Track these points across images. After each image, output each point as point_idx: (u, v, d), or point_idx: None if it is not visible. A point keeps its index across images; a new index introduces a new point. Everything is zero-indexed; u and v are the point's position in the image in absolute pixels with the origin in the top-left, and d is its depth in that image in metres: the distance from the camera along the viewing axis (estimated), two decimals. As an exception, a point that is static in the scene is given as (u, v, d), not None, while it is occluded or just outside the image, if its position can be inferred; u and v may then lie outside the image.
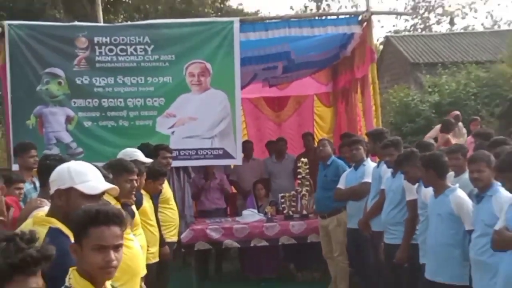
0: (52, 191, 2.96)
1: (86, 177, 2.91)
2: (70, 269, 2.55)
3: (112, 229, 2.40)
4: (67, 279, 2.48)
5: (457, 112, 9.76)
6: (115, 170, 4.41)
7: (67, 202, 2.88)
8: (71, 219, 2.54)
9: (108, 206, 2.63)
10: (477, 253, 4.47)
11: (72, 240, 2.89)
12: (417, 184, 5.57)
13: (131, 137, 7.26)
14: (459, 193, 4.97)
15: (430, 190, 5.17)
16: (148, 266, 5.05)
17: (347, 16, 8.62)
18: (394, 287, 6.08)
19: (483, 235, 4.39)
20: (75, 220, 2.49)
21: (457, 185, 5.13)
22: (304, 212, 8.10)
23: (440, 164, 5.11)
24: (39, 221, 2.96)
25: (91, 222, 2.39)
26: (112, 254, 2.38)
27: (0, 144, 12.80)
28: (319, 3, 31.99)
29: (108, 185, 2.98)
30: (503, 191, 4.38)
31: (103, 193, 2.98)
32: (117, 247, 2.41)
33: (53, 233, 2.75)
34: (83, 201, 2.85)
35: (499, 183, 4.42)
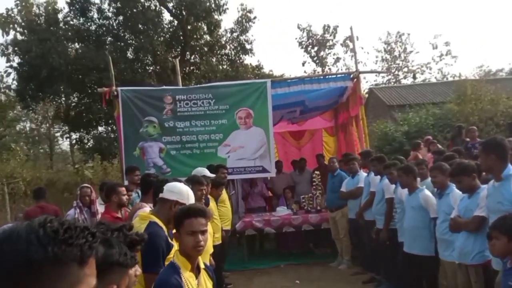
0: (168, 197, 2.97)
1: (192, 201, 2.98)
2: (175, 249, 2.57)
3: (199, 219, 2.40)
4: (173, 256, 2.50)
5: (429, 137, 9.62)
6: (192, 182, 4.43)
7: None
8: (174, 217, 2.57)
9: (196, 204, 2.67)
10: (441, 233, 4.34)
11: (165, 229, 2.91)
12: (394, 186, 5.46)
13: (201, 160, 7.26)
14: (426, 192, 4.86)
15: (404, 190, 5.05)
16: (214, 246, 5.03)
17: (343, 75, 8.56)
18: (380, 257, 5.93)
19: (445, 221, 4.27)
20: (175, 216, 2.52)
21: (424, 186, 5.01)
22: (318, 207, 7.97)
23: (413, 172, 5.00)
24: (143, 217, 3.02)
25: (184, 216, 2.41)
26: (200, 237, 2.37)
27: (117, 167, 13.13)
28: (323, 68, 31.94)
29: None
30: (456, 190, 4.26)
31: None
32: (203, 232, 2.41)
33: (152, 224, 2.80)
34: None
35: (453, 184, 4.30)
